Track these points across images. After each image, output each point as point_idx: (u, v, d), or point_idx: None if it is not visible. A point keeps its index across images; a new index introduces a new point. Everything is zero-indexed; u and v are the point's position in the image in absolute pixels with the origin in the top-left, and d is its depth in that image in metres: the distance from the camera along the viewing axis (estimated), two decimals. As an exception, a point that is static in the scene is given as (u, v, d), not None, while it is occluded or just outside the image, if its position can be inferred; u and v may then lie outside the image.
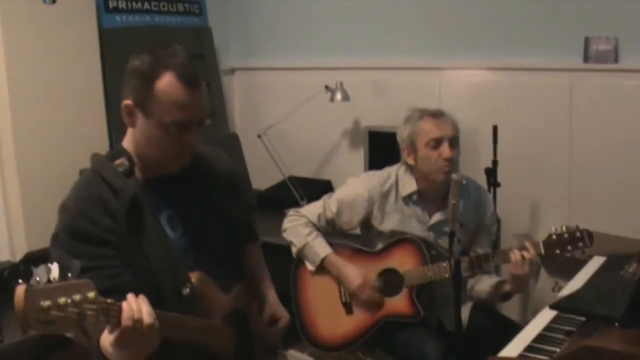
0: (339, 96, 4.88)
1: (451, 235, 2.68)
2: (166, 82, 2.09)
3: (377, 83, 5.09)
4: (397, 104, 4.32)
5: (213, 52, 5.60)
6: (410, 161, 3.27)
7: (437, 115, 3.24)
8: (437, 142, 3.17)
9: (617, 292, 2.75)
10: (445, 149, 3.16)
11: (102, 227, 2.06)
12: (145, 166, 2.23)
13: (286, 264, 3.53)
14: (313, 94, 4.98)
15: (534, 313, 3.77)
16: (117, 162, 2.20)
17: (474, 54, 4.66)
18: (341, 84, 4.89)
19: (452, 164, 3.17)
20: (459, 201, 2.73)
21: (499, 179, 4.14)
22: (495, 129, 4.12)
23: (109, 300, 1.74)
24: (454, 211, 2.70)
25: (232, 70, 5.90)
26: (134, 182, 2.18)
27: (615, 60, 4.12)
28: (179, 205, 2.29)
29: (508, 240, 4.22)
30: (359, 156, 5.06)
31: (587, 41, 4.18)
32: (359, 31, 5.16)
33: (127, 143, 2.25)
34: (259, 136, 4.92)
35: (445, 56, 4.77)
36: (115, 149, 2.29)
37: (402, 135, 3.29)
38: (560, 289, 3.60)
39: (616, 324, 2.43)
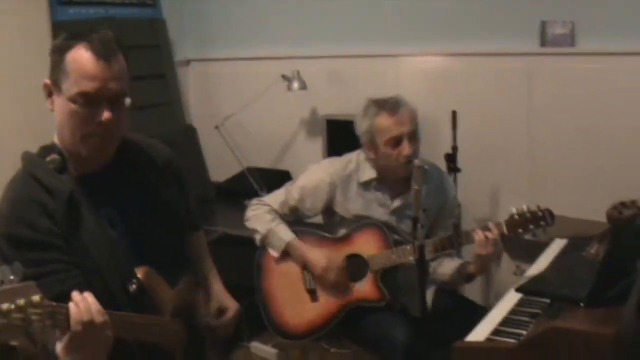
0: (296, 85, 4.86)
1: (415, 221, 2.65)
2: (76, 52, 2.01)
3: (334, 71, 5.09)
4: (354, 92, 4.42)
5: (168, 43, 5.53)
6: (372, 155, 3.28)
7: (394, 109, 3.21)
8: (396, 141, 3.17)
9: (581, 273, 2.77)
10: (405, 147, 3.16)
11: (42, 230, 1.98)
12: (77, 160, 2.12)
13: (247, 255, 3.50)
14: (270, 83, 4.95)
15: (497, 296, 3.79)
16: (49, 158, 2.10)
17: (430, 40, 4.66)
18: (298, 73, 4.88)
19: (413, 157, 3.13)
20: (422, 186, 2.71)
21: (459, 164, 4.15)
22: (454, 114, 4.12)
23: (54, 303, 1.67)
24: (417, 197, 2.66)
25: (188, 62, 5.83)
26: (68, 179, 2.08)
27: (572, 44, 4.14)
28: (119, 200, 2.20)
29: (469, 225, 4.10)
30: (318, 145, 5.07)
31: (543, 25, 4.19)
32: (315, 20, 5.15)
33: (57, 136, 2.15)
34: (216, 127, 4.89)
35: (401, 43, 4.77)
36: (46, 145, 2.17)
37: (361, 129, 3.28)
38: (522, 272, 3.63)
39: (581, 304, 2.43)
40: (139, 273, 2.13)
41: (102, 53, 2.00)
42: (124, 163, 2.22)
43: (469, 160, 4.24)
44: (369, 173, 3.31)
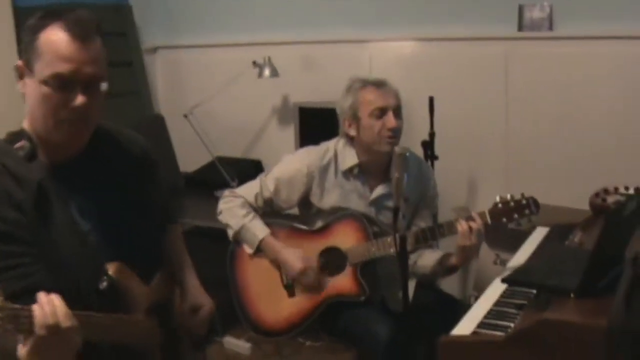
0: (267, 72, 4.79)
1: (395, 210, 2.54)
2: (50, 32, 1.90)
3: (306, 58, 5.01)
4: (327, 78, 4.54)
5: (134, 30, 5.45)
6: (352, 132, 3.19)
7: (380, 84, 3.18)
8: (381, 112, 3.11)
9: (567, 263, 2.69)
10: (389, 119, 3.10)
11: (8, 221, 1.86)
12: (48, 147, 2.00)
13: (219, 247, 3.44)
14: (240, 71, 4.86)
15: (476, 287, 3.92)
16: (18, 145, 1.98)
17: (404, 24, 4.60)
18: (269, 59, 4.81)
19: (397, 134, 3.11)
20: (403, 175, 2.59)
21: (436, 151, 4.09)
22: (431, 100, 4.05)
23: (16, 305, 1.57)
24: (399, 186, 2.55)
25: (155, 49, 5.71)
26: (38, 168, 1.97)
27: (550, 28, 4.11)
28: (92, 190, 2.08)
29: (446, 214, 4.03)
30: (290, 134, 4.97)
31: (521, 9, 4.15)
32: (286, 5, 5.07)
33: (27, 122, 2.03)
34: (185, 116, 4.80)
35: (375, 28, 4.72)
36: (14, 131, 2.05)
37: (343, 106, 3.21)
38: (503, 262, 3.72)
39: (571, 295, 2.35)
40: (111, 269, 2.01)
41: (79, 34, 1.90)
42: (97, 152, 2.11)
43: (446, 147, 4.17)
44: (350, 159, 3.23)
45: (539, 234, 3.31)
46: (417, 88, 4.14)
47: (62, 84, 1.89)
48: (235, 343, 4.38)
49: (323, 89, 4.54)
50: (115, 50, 4.84)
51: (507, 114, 4.34)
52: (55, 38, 1.89)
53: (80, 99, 1.90)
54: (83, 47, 1.90)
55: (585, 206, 3.32)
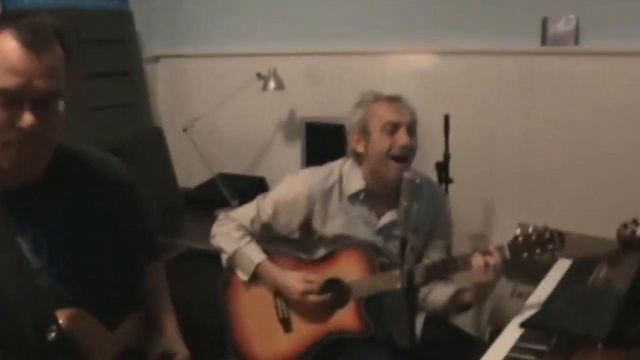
0: (272, 84, 4.60)
1: (403, 243, 2.33)
2: (0, 40, 1.67)
3: (313, 70, 4.82)
4: (336, 93, 4.48)
5: (134, 37, 5.23)
6: (360, 148, 2.97)
7: (394, 99, 2.97)
8: (393, 127, 2.88)
9: (593, 304, 2.50)
10: (402, 135, 2.87)
11: None
12: None
13: (216, 272, 3.22)
14: (244, 82, 4.67)
15: (492, 320, 3.78)
16: None
17: (420, 36, 4.41)
18: (275, 71, 4.61)
19: (409, 154, 2.90)
20: (412, 203, 2.38)
21: (451, 174, 3.89)
22: (446, 118, 3.84)
23: None
24: (406, 215, 2.35)
25: (157, 58, 5.50)
26: None
27: (576, 42, 3.90)
28: (49, 223, 1.84)
29: (461, 241, 3.86)
30: (295, 150, 4.79)
31: (544, 21, 3.95)
32: (294, 14, 4.86)
33: None
34: (184, 130, 4.60)
35: (389, 39, 4.51)
36: None
37: (352, 120, 2.99)
38: (520, 294, 3.61)
39: (599, 344, 2.15)
40: (61, 317, 1.76)
41: (31, 42, 1.66)
42: (59, 177, 1.88)
43: (462, 170, 3.95)
44: (356, 183, 3.01)
45: (560, 267, 3.11)
46: (433, 105, 3.95)
47: (8, 100, 1.66)
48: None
49: (332, 103, 4.47)
50: (114, 59, 4.93)
51: (527, 135, 4.13)
52: (4, 47, 1.66)
53: (28, 119, 1.66)
54: (35, 57, 1.67)
55: (610, 235, 3.12)
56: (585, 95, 3.93)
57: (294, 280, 2.97)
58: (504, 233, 2.90)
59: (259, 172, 5.12)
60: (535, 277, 3.04)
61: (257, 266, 3.03)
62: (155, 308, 2.26)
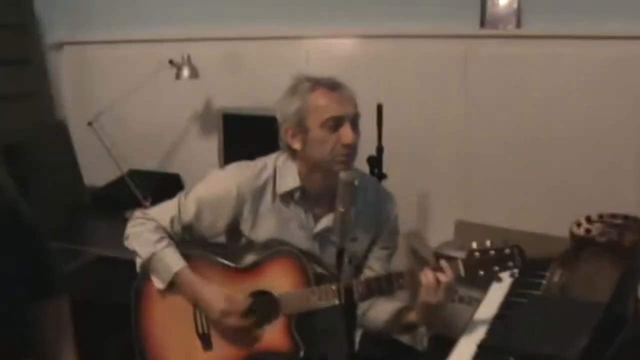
0: (186, 73, 4.39)
1: (339, 254, 2.14)
2: None
3: (231, 57, 4.61)
4: (255, 81, 4.34)
5: (34, 22, 5.00)
6: (296, 145, 2.66)
7: (335, 86, 2.65)
8: (336, 123, 2.58)
9: (557, 319, 2.32)
10: (346, 132, 2.57)
11: None
12: None
13: (128, 282, 2.92)
14: (155, 71, 4.41)
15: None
16: None
17: (347, 18, 4.24)
18: (188, 57, 4.39)
19: (353, 152, 2.62)
20: (350, 209, 2.19)
21: (385, 169, 3.68)
22: (379, 108, 3.61)
23: None
24: (343, 222, 2.17)
25: (60, 45, 5.21)
26: None
27: (518, 25, 3.78)
28: None
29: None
30: (213, 144, 4.56)
31: (483, 2, 3.82)
32: None
33: None
34: (89, 124, 4.30)
35: (313, 22, 4.34)
36: None
37: (286, 111, 2.67)
38: (461, 298, 3.50)
39: None
40: None
41: None
42: None
43: (396, 163, 3.76)
44: (291, 181, 2.72)
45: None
46: (363, 94, 3.68)
47: None
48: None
49: (251, 93, 4.30)
50: (12, 46, 4.91)
51: (466, 125, 4.01)
52: None
53: None
54: None
55: (558, 232, 3.00)
56: (528, 82, 3.82)
57: (215, 297, 2.68)
58: (441, 231, 3.29)
59: (173, 169, 4.93)
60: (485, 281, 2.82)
61: (175, 275, 2.73)
62: (52, 349, 2.06)
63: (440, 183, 4.14)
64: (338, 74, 3.51)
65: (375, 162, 3.64)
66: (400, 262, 3.21)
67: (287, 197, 2.72)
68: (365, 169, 3.55)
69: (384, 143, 3.65)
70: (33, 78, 4.92)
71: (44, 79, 5.05)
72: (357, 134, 2.63)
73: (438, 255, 3.60)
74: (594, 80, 3.64)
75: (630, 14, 3.50)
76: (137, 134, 4.92)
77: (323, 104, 2.58)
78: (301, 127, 2.60)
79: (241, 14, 4.55)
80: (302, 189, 2.70)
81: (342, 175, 2.23)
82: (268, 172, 2.74)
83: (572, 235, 2.83)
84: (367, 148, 3.55)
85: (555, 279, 2.68)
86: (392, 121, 3.71)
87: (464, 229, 3.89)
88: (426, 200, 4.19)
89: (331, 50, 4.32)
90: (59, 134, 4.70)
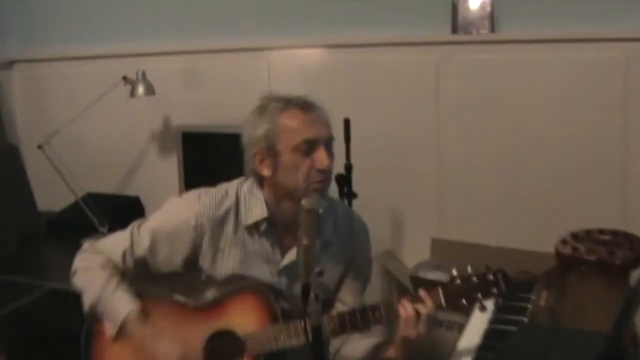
0: (141, 90, 4.23)
1: (304, 290, 1.95)
2: None
3: (189, 71, 4.48)
4: (215, 97, 4.22)
5: None
6: (265, 171, 2.46)
7: (307, 107, 2.45)
8: (310, 146, 2.38)
9: (552, 353, 2.10)
10: (321, 156, 2.37)
11: None
12: None
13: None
14: (108, 88, 4.25)
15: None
16: None
17: (311, 28, 4.13)
18: (143, 74, 4.23)
19: (328, 177, 2.43)
20: (315, 240, 2.04)
21: (354, 187, 3.55)
22: (346, 123, 3.46)
23: None
24: (308, 255, 2.01)
25: (10, 64, 5.06)
26: None
27: (492, 29, 3.68)
28: None
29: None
30: (172, 164, 4.41)
31: (454, 6, 3.72)
32: (163, 6, 4.54)
33: None
34: (39, 147, 4.14)
35: (274, 33, 4.23)
36: None
37: (254, 134, 2.47)
38: (440, 323, 3.30)
39: None
40: None
41: None
42: None
43: (366, 181, 3.65)
44: (257, 211, 2.51)
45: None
46: (329, 107, 3.53)
47: None
48: None
49: (212, 109, 4.22)
50: None
51: (440, 136, 3.89)
52: None
53: None
54: None
55: (540, 247, 3.05)
56: (505, 89, 3.71)
57: (169, 348, 2.48)
58: (417, 250, 3.16)
59: (132, 191, 4.76)
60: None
61: (124, 322, 2.51)
62: None
63: (414, 199, 4.01)
64: (301, 87, 3.37)
65: (344, 180, 3.49)
66: (374, 285, 3.04)
67: (253, 229, 2.53)
68: (334, 188, 3.41)
69: (353, 160, 3.52)
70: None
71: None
72: (332, 158, 2.45)
73: (415, 279, 3.48)
74: (573, 85, 3.55)
75: (608, 16, 3.44)
76: (93, 155, 4.78)
77: (295, 126, 2.39)
78: (271, 152, 2.41)
79: (197, 26, 4.43)
80: (269, 221, 2.52)
81: (305, 202, 2.07)
82: (230, 201, 2.54)
83: (558, 254, 2.67)
84: (335, 166, 3.43)
85: (542, 302, 2.55)
86: (360, 135, 3.59)
87: (440, 247, 3.77)
88: (400, 217, 4.06)
89: (294, 62, 4.22)
90: (10, 158, 4.56)
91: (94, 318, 2.55)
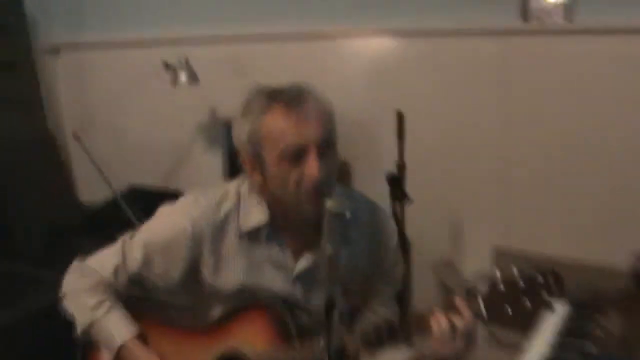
0: (183, 77, 4.10)
1: (328, 306, 1.74)
2: None
3: (235, 59, 4.29)
4: None
5: (24, 23, 4.66)
6: (257, 178, 2.20)
7: (294, 102, 2.12)
8: (296, 153, 2.09)
9: None
10: (310, 165, 2.08)
11: None
12: None
13: None
14: (151, 75, 4.18)
15: None
16: None
17: (369, 14, 3.89)
18: (186, 60, 4.08)
19: (325, 187, 2.11)
20: (340, 249, 1.89)
21: (407, 189, 3.27)
22: (400, 117, 3.19)
23: None
24: (332, 266, 1.78)
25: (56, 49, 4.93)
26: None
27: (567, 18, 3.41)
28: None
29: (422, 274, 3.55)
30: (217, 157, 4.31)
31: None
32: None
33: None
34: (76, 137, 3.96)
35: (330, 18, 4.01)
36: None
37: (239, 137, 2.19)
38: (498, 341, 3.03)
39: None
40: None
41: None
42: None
43: (421, 184, 3.36)
44: (256, 215, 2.25)
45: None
46: (384, 100, 3.49)
47: None
48: None
49: None
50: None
51: (505, 136, 3.70)
52: None
53: None
54: None
55: (613, 260, 2.89)
56: (577, 83, 3.47)
57: None
58: (477, 260, 3.03)
59: (175, 184, 4.59)
60: (519, 321, 2.25)
61: (121, 349, 2.29)
62: None
63: (475, 204, 3.84)
64: (356, 77, 3.22)
65: (396, 181, 3.20)
66: (426, 298, 2.80)
67: (253, 235, 2.27)
68: (384, 190, 3.16)
69: (407, 159, 3.25)
70: (19, 84, 4.62)
71: (32, 85, 4.76)
72: (332, 159, 2.17)
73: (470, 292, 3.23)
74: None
75: None
76: (135, 146, 4.70)
77: (277, 129, 2.09)
78: (258, 159, 2.16)
79: (245, 11, 4.26)
80: (271, 226, 2.27)
81: (329, 203, 1.82)
82: (230, 203, 2.28)
83: (634, 273, 2.49)
84: (386, 164, 3.29)
85: (612, 327, 2.27)
86: (417, 133, 3.32)
87: (503, 257, 3.58)
88: (459, 224, 3.88)
89: (350, 51, 4.04)
90: (46, 148, 4.49)
91: (88, 345, 2.36)
